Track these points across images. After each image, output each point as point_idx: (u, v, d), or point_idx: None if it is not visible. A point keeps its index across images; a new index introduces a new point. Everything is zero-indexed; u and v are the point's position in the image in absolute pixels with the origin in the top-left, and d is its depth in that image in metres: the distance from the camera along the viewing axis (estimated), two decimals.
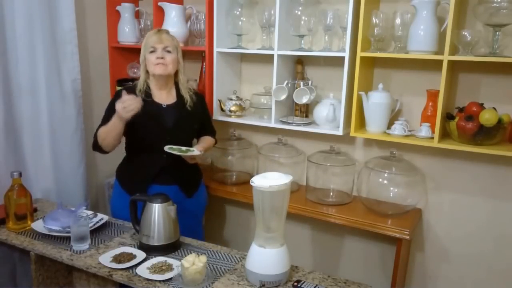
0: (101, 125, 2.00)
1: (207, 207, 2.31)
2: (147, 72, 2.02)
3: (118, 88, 2.75)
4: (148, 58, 1.97)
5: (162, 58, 1.94)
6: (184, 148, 1.93)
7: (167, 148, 1.89)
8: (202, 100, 2.18)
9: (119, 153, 2.12)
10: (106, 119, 1.97)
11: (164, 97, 2.03)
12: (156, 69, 1.95)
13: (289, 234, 2.28)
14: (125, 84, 2.74)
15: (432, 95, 2.01)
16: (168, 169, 2.00)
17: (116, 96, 2.03)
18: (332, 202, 2.27)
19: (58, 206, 1.98)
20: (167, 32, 2.02)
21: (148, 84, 2.03)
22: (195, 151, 1.93)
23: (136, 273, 1.57)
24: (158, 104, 2.00)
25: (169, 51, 1.96)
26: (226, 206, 2.81)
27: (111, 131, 1.88)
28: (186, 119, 2.04)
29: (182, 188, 2.07)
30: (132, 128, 1.92)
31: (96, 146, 1.99)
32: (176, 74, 2.04)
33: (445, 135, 2.00)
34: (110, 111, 1.96)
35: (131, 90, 1.99)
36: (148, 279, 1.53)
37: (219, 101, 2.44)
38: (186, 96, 2.05)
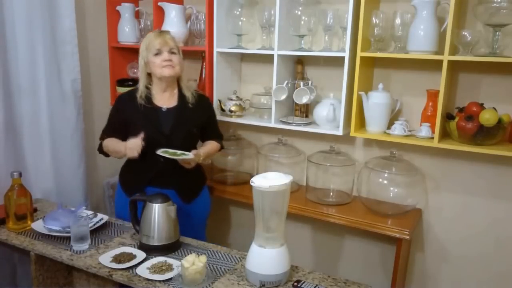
0: (105, 131, 2.05)
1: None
2: (148, 75, 2.00)
3: (119, 88, 2.76)
4: (153, 61, 1.93)
5: (170, 60, 1.92)
6: (179, 151, 1.89)
7: (160, 151, 1.86)
8: (207, 103, 2.15)
9: None
10: (110, 125, 2.05)
11: (166, 99, 2.01)
12: (165, 71, 1.92)
13: (289, 234, 2.28)
14: (125, 84, 2.75)
15: (432, 95, 2.01)
16: (165, 172, 1.98)
17: (117, 100, 2.07)
18: (332, 202, 2.27)
19: (58, 206, 1.98)
20: (169, 33, 2.00)
21: (148, 88, 2.00)
22: (190, 154, 1.89)
23: (136, 273, 1.57)
24: (158, 108, 1.99)
25: (174, 53, 1.95)
26: (226, 206, 2.81)
27: (115, 154, 1.99)
28: (185, 123, 2.01)
29: (179, 193, 2.04)
30: (131, 131, 1.92)
31: (102, 152, 2.05)
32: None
33: (445, 135, 2.00)
34: (113, 117, 2.04)
35: (132, 94, 2.00)
36: (148, 279, 1.53)
37: (219, 101, 2.44)
38: (188, 94, 2.03)
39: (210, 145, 2.13)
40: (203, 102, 2.11)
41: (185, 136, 2.01)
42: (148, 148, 1.88)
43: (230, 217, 2.83)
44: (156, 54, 1.93)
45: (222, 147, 2.22)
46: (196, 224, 2.14)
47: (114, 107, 2.07)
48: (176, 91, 2.05)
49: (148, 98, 1.99)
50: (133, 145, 1.85)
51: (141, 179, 2.00)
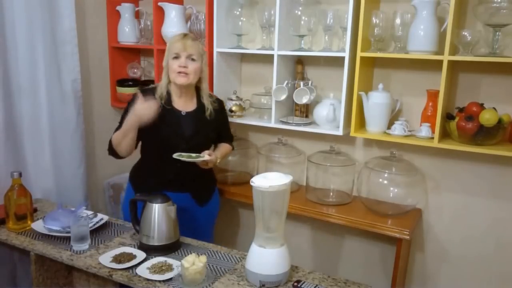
0: (117, 129, 1.97)
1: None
2: (169, 76, 1.95)
3: (119, 88, 2.75)
4: (171, 65, 1.90)
5: (184, 67, 1.88)
6: (193, 154, 1.89)
7: (176, 155, 1.84)
8: (222, 106, 2.13)
9: None
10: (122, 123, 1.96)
11: (184, 103, 1.99)
12: (177, 79, 1.89)
13: (289, 234, 2.29)
14: (126, 84, 2.75)
15: (432, 95, 2.01)
16: (181, 176, 1.97)
17: (134, 97, 1.97)
18: (332, 202, 2.27)
19: (58, 206, 1.98)
20: (192, 38, 1.93)
21: (169, 89, 1.97)
22: (206, 156, 1.88)
23: (136, 273, 1.57)
24: (178, 112, 1.96)
25: (193, 59, 1.89)
26: (226, 206, 2.80)
27: (126, 133, 1.83)
28: (204, 127, 2.00)
29: (195, 197, 2.05)
30: (149, 133, 1.89)
31: (111, 151, 1.94)
32: (198, 81, 1.98)
33: (445, 135, 2.00)
34: (127, 115, 1.93)
35: (150, 93, 1.94)
36: (148, 279, 1.53)
37: None
38: (208, 104, 2.00)
39: (224, 148, 2.14)
40: (219, 106, 2.08)
41: (205, 140, 2.02)
42: (167, 152, 1.86)
43: (230, 217, 2.82)
44: (175, 58, 1.89)
45: (233, 148, 2.24)
46: (207, 225, 2.15)
47: (130, 105, 1.95)
48: (194, 97, 2.02)
49: (168, 100, 1.96)
50: (145, 109, 1.76)
51: (158, 183, 1.96)
